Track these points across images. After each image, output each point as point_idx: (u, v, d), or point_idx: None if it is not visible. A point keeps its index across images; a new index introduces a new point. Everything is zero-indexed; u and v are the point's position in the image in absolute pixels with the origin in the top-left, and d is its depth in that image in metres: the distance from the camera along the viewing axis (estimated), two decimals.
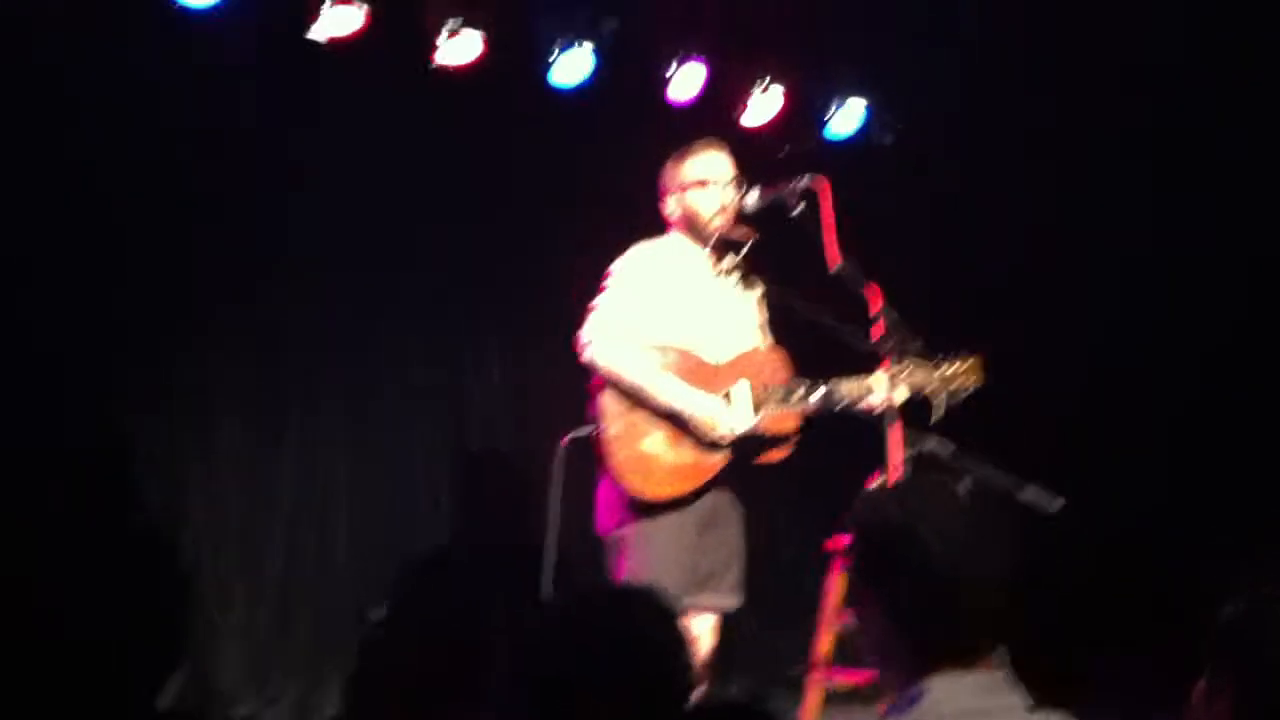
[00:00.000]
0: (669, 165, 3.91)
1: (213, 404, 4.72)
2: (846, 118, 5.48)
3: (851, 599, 1.91)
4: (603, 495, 3.73)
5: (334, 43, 4.51)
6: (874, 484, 3.51)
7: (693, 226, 3.86)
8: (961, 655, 1.75)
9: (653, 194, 3.92)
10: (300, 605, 4.78)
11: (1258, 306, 4.95)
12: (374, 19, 4.51)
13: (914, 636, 1.77)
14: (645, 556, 3.60)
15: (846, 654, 3.66)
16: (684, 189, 3.85)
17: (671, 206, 3.89)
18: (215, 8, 4.29)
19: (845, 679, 3.75)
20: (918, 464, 3.61)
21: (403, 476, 5.04)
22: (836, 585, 3.68)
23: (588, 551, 3.81)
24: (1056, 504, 3.63)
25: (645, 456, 3.65)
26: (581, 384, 3.73)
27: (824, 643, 3.74)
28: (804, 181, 3.74)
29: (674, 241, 3.89)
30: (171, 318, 4.56)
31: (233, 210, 4.63)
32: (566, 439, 3.77)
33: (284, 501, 4.83)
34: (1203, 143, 4.89)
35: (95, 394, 4.34)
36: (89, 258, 4.31)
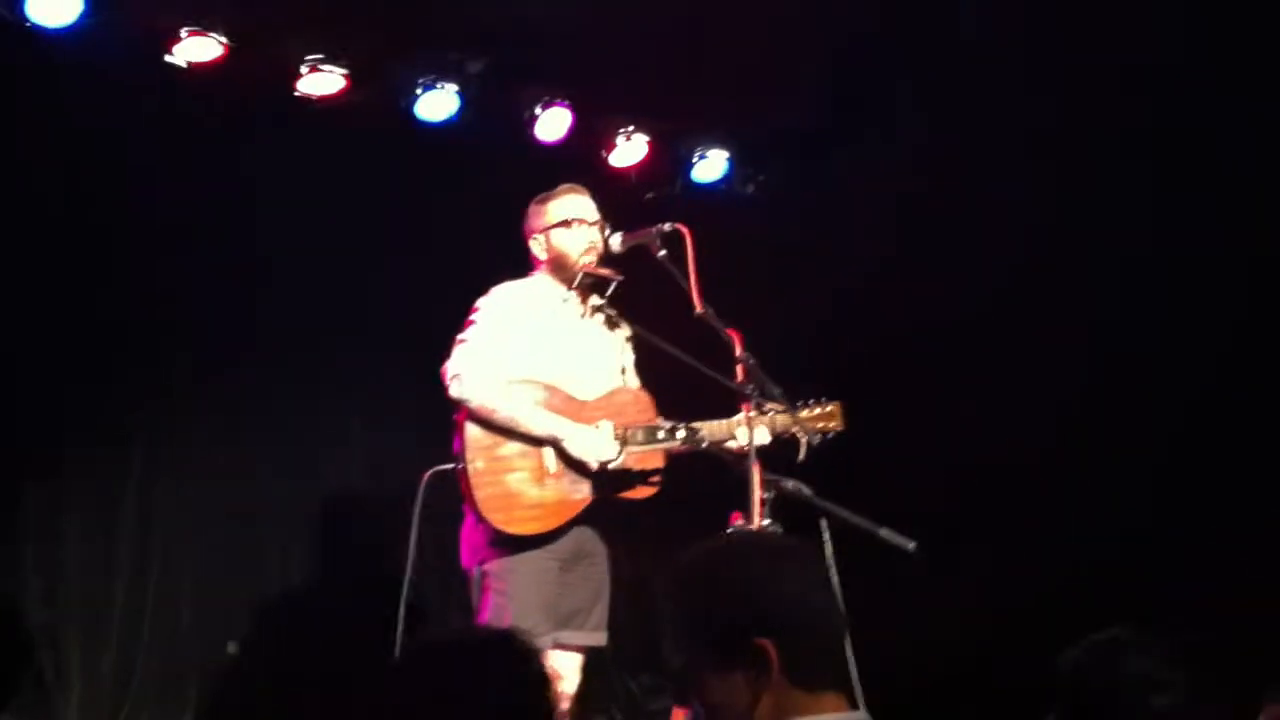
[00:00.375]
0: (533, 207, 3.92)
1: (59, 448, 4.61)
2: (710, 167, 5.62)
3: (694, 655, 1.80)
4: (466, 531, 3.69)
5: (195, 68, 4.50)
6: (735, 524, 3.54)
7: (559, 266, 3.87)
8: (816, 700, 1.75)
9: (519, 231, 3.94)
10: (145, 648, 4.63)
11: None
12: (231, 51, 4.53)
13: (768, 684, 1.75)
14: (508, 593, 3.57)
15: None
16: (550, 229, 3.87)
17: (537, 247, 3.90)
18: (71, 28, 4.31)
19: None
20: (778, 505, 3.65)
21: (255, 513, 4.93)
22: None
23: (451, 587, 3.77)
24: (911, 545, 3.69)
25: (509, 493, 3.62)
26: (445, 418, 3.70)
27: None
28: (666, 227, 3.80)
29: (540, 281, 3.90)
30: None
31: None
32: (429, 473, 3.73)
33: (126, 546, 4.69)
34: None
35: None
36: None
